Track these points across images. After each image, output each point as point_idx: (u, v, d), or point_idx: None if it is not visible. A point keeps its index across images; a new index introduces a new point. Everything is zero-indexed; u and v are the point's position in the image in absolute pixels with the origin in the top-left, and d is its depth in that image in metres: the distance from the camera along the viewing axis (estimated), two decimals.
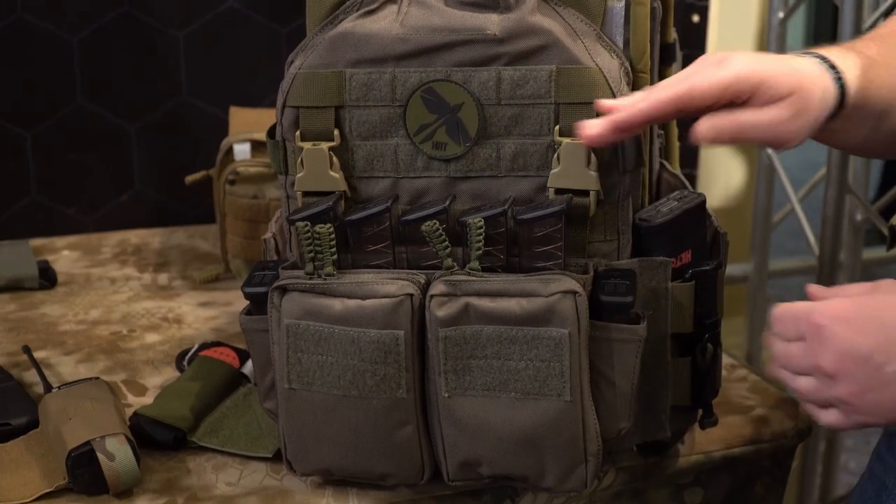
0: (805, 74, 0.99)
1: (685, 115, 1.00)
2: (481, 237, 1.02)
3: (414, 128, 1.07)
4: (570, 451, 1.04)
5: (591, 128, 1.00)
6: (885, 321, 0.92)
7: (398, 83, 1.06)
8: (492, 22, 1.04)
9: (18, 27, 1.83)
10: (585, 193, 1.05)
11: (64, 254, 1.83)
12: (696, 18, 2.25)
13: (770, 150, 2.43)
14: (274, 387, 1.11)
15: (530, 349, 1.02)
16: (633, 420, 1.08)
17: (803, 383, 0.96)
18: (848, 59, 1.04)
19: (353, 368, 1.04)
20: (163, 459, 1.19)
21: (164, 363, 1.43)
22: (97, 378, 1.27)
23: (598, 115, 1.01)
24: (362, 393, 1.05)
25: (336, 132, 1.07)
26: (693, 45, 2.23)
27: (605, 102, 1.01)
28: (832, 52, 1.05)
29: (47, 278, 1.68)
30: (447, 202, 1.06)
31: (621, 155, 1.05)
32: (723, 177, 2.50)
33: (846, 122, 1.05)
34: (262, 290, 1.08)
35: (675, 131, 1.27)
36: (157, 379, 1.38)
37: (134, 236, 1.93)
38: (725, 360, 1.36)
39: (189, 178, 1.73)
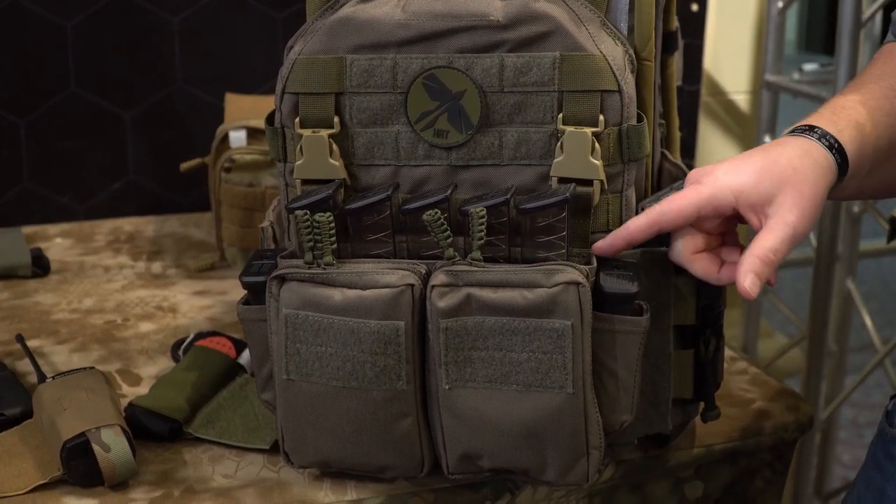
0: (791, 164, 1.01)
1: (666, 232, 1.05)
2: (483, 227, 1.01)
3: (415, 115, 1.05)
4: (572, 444, 1.03)
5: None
6: None
7: (399, 69, 1.04)
8: (495, 8, 1.03)
9: (12, 12, 1.81)
10: (589, 183, 1.03)
11: (57, 241, 1.82)
12: (694, 7, 2.24)
13: (767, 140, 2.42)
14: (272, 378, 1.10)
15: (532, 341, 1.00)
16: (636, 413, 1.06)
17: None
18: (841, 121, 1.06)
19: (352, 359, 1.03)
20: (158, 451, 1.18)
21: (159, 353, 1.42)
22: (92, 368, 1.25)
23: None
24: (362, 384, 1.03)
25: (336, 119, 1.06)
26: (692, 34, 2.22)
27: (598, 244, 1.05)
28: (824, 117, 1.06)
29: (40, 266, 1.67)
30: (449, 191, 1.04)
31: (625, 144, 1.04)
32: None
33: (850, 180, 1.07)
34: (260, 279, 1.07)
35: (676, 121, 1.26)
36: (152, 369, 1.37)
37: (127, 224, 1.91)
38: (726, 352, 1.35)
39: (184, 166, 1.72)
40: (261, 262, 1.10)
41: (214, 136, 1.67)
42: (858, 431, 3.20)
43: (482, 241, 1.01)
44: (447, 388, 1.03)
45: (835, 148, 1.03)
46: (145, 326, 1.49)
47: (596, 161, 1.03)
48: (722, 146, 2.47)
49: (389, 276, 1.02)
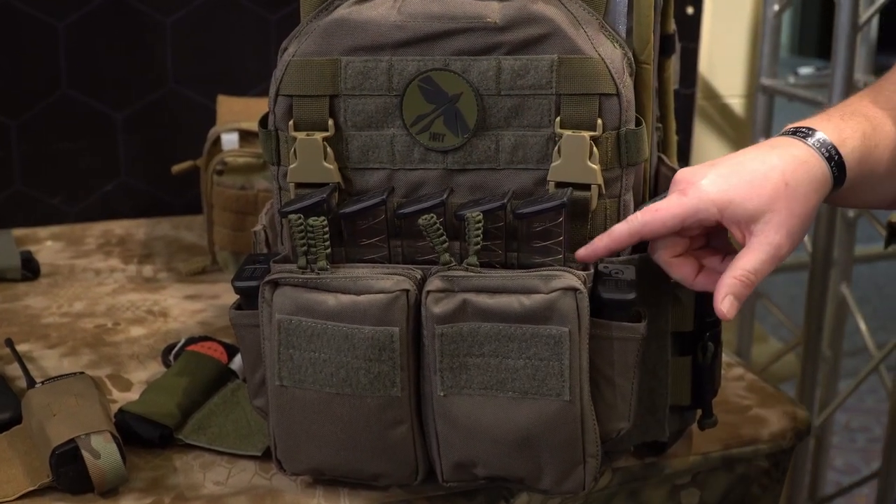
0: (783, 178, 0.99)
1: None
2: (480, 232, 1.00)
3: (411, 118, 1.04)
4: (569, 452, 1.02)
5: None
6: None
7: (395, 72, 1.03)
8: (492, 9, 1.01)
9: (3, 12, 1.80)
10: (587, 187, 1.02)
11: (47, 244, 1.81)
12: (690, 10, 2.23)
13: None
14: (264, 384, 1.08)
15: (529, 347, 0.99)
16: (633, 420, 1.05)
17: None
18: (848, 127, 1.04)
19: (346, 366, 1.01)
20: (149, 457, 1.17)
21: (150, 357, 1.40)
22: (82, 373, 1.24)
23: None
24: (355, 391, 1.02)
25: (330, 122, 1.05)
26: (687, 37, 2.21)
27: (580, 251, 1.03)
28: (832, 121, 1.04)
29: (30, 269, 1.66)
30: (445, 195, 1.03)
31: (624, 148, 1.03)
32: None
33: (849, 191, 1.05)
34: (252, 284, 1.06)
35: (673, 124, 1.25)
36: (143, 374, 1.36)
37: (118, 227, 1.90)
38: (722, 358, 1.34)
39: (176, 168, 1.71)
40: (253, 266, 1.09)
41: (206, 138, 1.65)
42: (851, 436, 3.20)
43: (478, 246, 1.00)
44: (442, 394, 1.02)
45: (833, 160, 1.01)
46: (136, 331, 1.48)
47: (594, 165, 1.02)
48: (717, 150, 2.47)
49: (384, 282, 1.00)
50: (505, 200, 1.02)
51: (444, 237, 1.01)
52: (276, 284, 1.03)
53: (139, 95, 1.92)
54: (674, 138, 1.26)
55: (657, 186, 1.19)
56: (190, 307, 1.56)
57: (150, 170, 1.95)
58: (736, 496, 1.26)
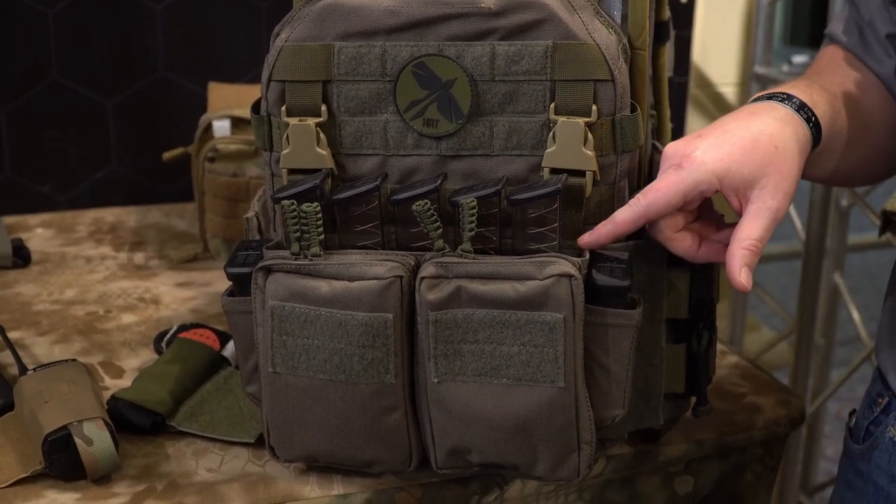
0: (772, 141, 0.99)
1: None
2: (474, 218, 0.99)
3: (404, 104, 1.03)
4: (563, 438, 1.02)
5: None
6: None
7: (388, 57, 1.02)
8: None
9: None
10: (581, 174, 1.02)
11: (38, 232, 1.80)
12: None
13: None
14: (257, 370, 1.08)
15: (523, 334, 0.99)
16: (628, 407, 1.05)
17: None
18: (815, 94, 1.05)
19: (339, 352, 1.01)
20: (141, 444, 1.16)
21: (142, 345, 1.40)
22: (74, 360, 1.23)
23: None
24: (349, 377, 1.01)
25: (323, 107, 1.04)
26: (681, 25, 2.21)
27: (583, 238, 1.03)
28: (799, 88, 1.05)
29: (21, 257, 1.65)
30: (438, 181, 1.02)
31: (619, 134, 1.02)
32: None
33: (817, 157, 1.06)
34: (245, 270, 1.05)
35: (667, 111, 1.25)
36: (135, 361, 1.35)
37: (109, 214, 1.89)
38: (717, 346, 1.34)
39: (167, 155, 1.70)
40: (246, 252, 1.08)
41: (198, 125, 1.65)
42: (842, 425, 3.19)
43: (473, 232, 1.00)
44: (436, 381, 1.01)
45: (811, 121, 1.02)
46: (128, 318, 1.47)
47: (588, 152, 1.01)
48: None
49: (378, 268, 1.00)
50: (499, 187, 1.01)
51: (438, 223, 1.00)
52: (268, 271, 1.02)
53: (130, 83, 1.91)
54: (668, 125, 1.25)
55: (651, 173, 1.18)
56: (181, 294, 1.55)
57: (141, 157, 1.94)
58: (730, 484, 1.26)
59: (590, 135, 1.01)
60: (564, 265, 0.98)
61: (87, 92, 1.88)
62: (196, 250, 1.67)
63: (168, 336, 1.36)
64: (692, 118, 2.41)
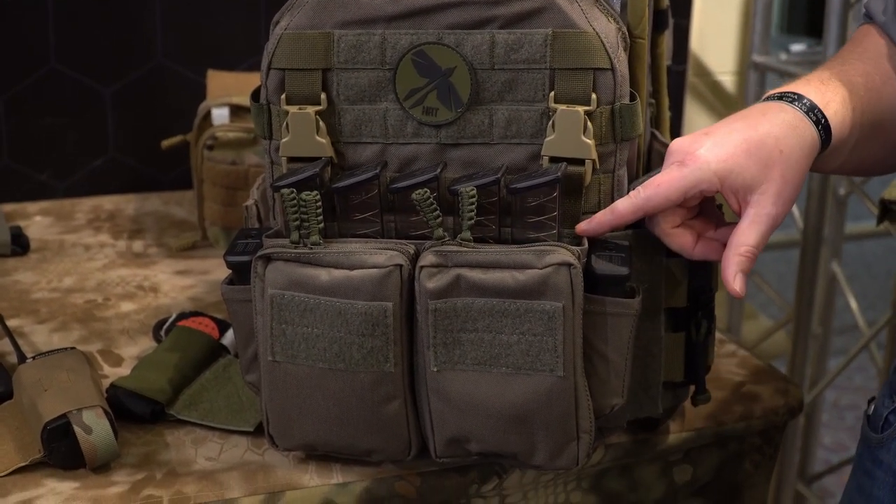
0: (777, 145, 0.99)
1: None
2: (473, 206, 0.99)
3: (404, 92, 1.03)
4: (562, 427, 1.02)
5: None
6: None
7: (388, 45, 1.02)
8: None
9: None
10: (581, 162, 1.02)
11: (36, 219, 1.80)
12: None
13: None
14: (256, 359, 1.08)
15: (523, 323, 0.99)
16: (626, 396, 1.05)
17: None
18: (829, 92, 1.04)
19: (339, 341, 1.01)
20: (140, 433, 1.16)
21: (141, 333, 1.40)
22: (73, 348, 1.23)
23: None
24: (348, 366, 1.01)
25: (323, 96, 1.04)
26: (679, 13, 2.20)
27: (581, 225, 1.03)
28: (813, 85, 1.04)
29: (20, 244, 1.65)
30: (438, 170, 1.02)
31: (618, 123, 1.02)
32: None
33: (828, 155, 1.05)
34: (245, 258, 1.05)
35: (665, 100, 1.25)
36: (134, 349, 1.35)
37: (107, 202, 1.89)
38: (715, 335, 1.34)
39: (165, 143, 1.70)
40: (245, 241, 1.08)
41: (196, 112, 1.64)
42: (840, 414, 3.21)
43: (472, 221, 1.00)
44: (435, 370, 1.01)
45: (821, 124, 1.01)
46: (126, 306, 1.47)
47: (588, 140, 1.01)
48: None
49: (377, 257, 1.00)
50: (499, 175, 1.01)
51: (438, 212, 1.00)
52: (268, 259, 1.02)
53: (128, 70, 1.90)
54: (667, 114, 1.26)
55: (650, 162, 1.18)
56: (180, 282, 1.55)
57: (140, 145, 1.94)
58: (728, 472, 1.26)
59: (589, 123, 1.01)
60: (564, 254, 0.98)
61: (86, 79, 1.88)
62: (195, 238, 1.67)
63: (167, 324, 1.36)
64: (690, 107, 2.41)
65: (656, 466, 1.22)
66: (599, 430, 1.11)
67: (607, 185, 1.04)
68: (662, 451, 1.21)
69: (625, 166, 1.06)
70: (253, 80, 1.67)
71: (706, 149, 0.99)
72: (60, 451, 1.08)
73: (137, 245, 1.70)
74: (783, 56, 2.47)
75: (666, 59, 1.22)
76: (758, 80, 2.40)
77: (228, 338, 1.30)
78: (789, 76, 2.33)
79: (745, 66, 2.42)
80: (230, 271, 1.09)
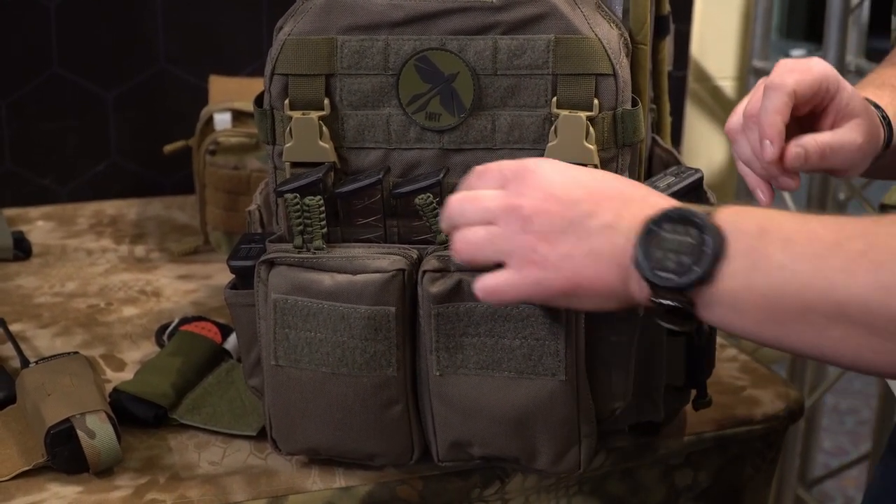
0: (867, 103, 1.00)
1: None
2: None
3: (407, 97, 1.03)
4: (564, 431, 1.02)
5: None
6: (598, 177, 0.89)
7: (391, 51, 1.03)
8: None
9: None
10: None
11: (38, 224, 1.80)
12: None
13: None
14: (259, 363, 1.08)
15: (525, 327, 0.99)
16: (628, 400, 1.05)
17: (478, 233, 0.88)
18: (885, 95, 1.05)
19: (342, 345, 1.01)
20: (143, 437, 1.17)
21: (143, 337, 1.40)
22: (76, 352, 1.24)
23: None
24: (351, 370, 1.02)
25: (326, 101, 1.04)
26: (679, 19, 2.20)
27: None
28: (867, 92, 1.05)
29: (22, 249, 1.65)
30: (441, 175, 1.03)
31: (620, 128, 1.03)
32: (705, 153, 2.48)
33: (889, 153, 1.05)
34: (248, 263, 1.05)
35: (667, 106, 1.25)
36: (136, 354, 1.35)
37: (110, 207, 1.89)
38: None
39: (168, 148, 1.70)
40: (249, 245, 1.08)
41: (199, 117, 1.65)
42: (840, 418, 3.21)
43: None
44: (438, 374, 1.01)
45: (886, 121, 1.02)
46: (129, 311, 1.48)
47: (590, 146, 1.01)
48: (708, 133, 2.46)
49: (380, 261, 1.00)
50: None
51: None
52: (272, 264, 1.03)
53: (130, 75, 1.91)
54: (668, 119, 1.26)
55: (651, 168, 1.19)
56: (183, 287, 1.55)
57: (142, 149, 1.94)
58: (729, 477, 1.27)
59: (591, 129, 1.01)
60: None
61: (88, 84, 1.88)
62: (197, 243, 1.67)
63: (170, 329, 1.36)
64: (691, 112, 2.42)
65: (657, 470, 1.22)
66: (601, 434, 1.11)
67: None
68: (664, 455, 1.21)
69: (627, 171, 1.06)
70: (255, 85, 1.67)
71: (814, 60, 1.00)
72: (64, 455, 1.08)
73: (139, 250, 1.70)
74: None
75: (667, 65, 1.23)
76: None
77: (231, 342, 1.31)
78: None
79: (746, 71, 2.42)
80: (233, 276, 1.09)
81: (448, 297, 0.99)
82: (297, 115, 1.04)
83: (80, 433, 1.08)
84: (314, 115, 1.04)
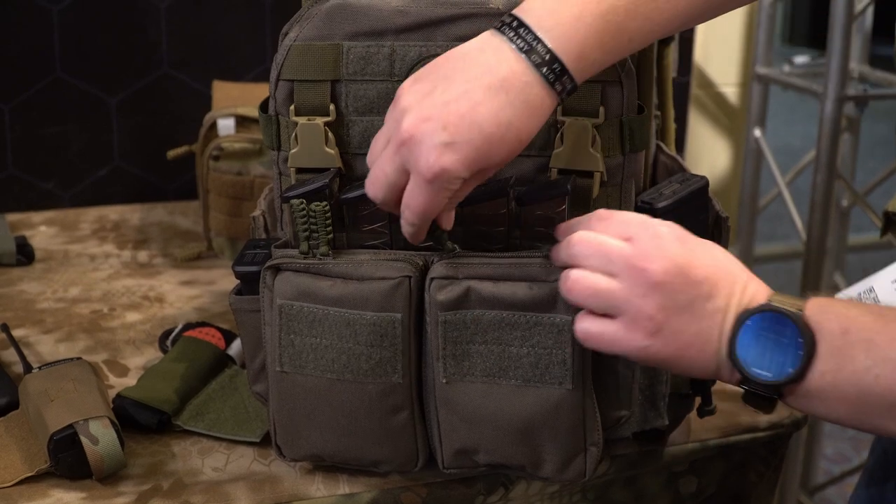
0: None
1: None
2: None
3: None
4: (570, 440, 1.02)
5: None
6: (715, 255, 0.91)
7: (397, 57, 1.02)
8: None
9: None
10: (589, 174, 1.02)
11: (41, 229, 1.80)
12: None
13: (757, 133, 2.41)
14: (264, 369, 1.08)
15: (532, 335, 0.99)
16: (634, 408, 1.05)
17: (598, 281, 0.90)
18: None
19: (347, 352, 1.01)
20: (147, 443, 1.16)
21: (146, 343, 1.40)
22: (79, 358, 1.23)
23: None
24: (357, 377, 1.01)
25: (332, 107, 1.04)
26: None
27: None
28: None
29: (25, 254, 1.65)
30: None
31: (626, 135, 1.02)
32: (708, 160, 2.48)
33: None
34: (254, 269, 1.05)
35: (671, 112, 1.25)
36: (139, 359, 1.35)
37: (113, 212, 1.89)
38: None
39: (171, 153, 1.70)
40: (254, 251, 1.08)
41: (202, 123, 1.65)
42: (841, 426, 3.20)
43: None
44: (444, 381, 1.01)
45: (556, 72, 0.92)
46: (132, 316, 1.47)
47: (596, 153, 1.01)
48: (711, 139, 2.47)
49: (386, 268, 1.00)
50: (507, 187, 1.01)
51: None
52: (277, 270, 1.02)
53: (133, 80, 1.91)
54: (672, 126, 1.26)
55: (656, 174, 1.18)
56: (186, 293, 1.55)
57: (145, 155, 1.94)
58: (733, 483, 1.26)
59: (597, 136, 1.01)
60: None
61: (91, 89, 1.88)
62: (200, 248, 1.67)
63: (173, 334, 1.36)
64: (694, 118, 2.42)
65: (661, 478, 1.22)
66: (606, 442, 1.11)
67: (615, 198, 1.05)
68: (667, 462, 1.21)
69: (632, 178, 1.06)
70: (258, 90, 1.67)
71: None
72: (67, 461, 1.08)
73: (142, 255, 1.70)
74: (786, 68, 2.47)
75: (671, 72, 1.23)
76: (761, 92, 2.40)
77: (234, 348, 1.30)
78: (793, 88, 2.34)
79: (749, 78, 2.42)
80: (236, 281, 1.09)
81: (455, 304, 0.99)
82: (302, 120, 1.04)
83: (83, 439, 1.08)
84: (320, 120, 1.04)
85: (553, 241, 1.01)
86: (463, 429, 1.03)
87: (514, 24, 0.91)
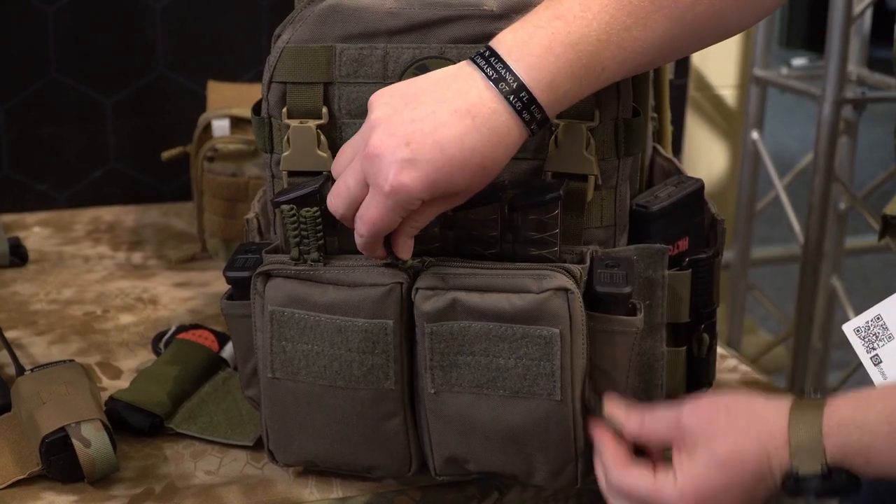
0: None
1: None
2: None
3: None
4: (560, 449, 1.01)
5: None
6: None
7: (390, 59, 1.02)
8: None
9: None
10: (583, 178, 1.01)
11: (35, 230, 1.79)
12: None
13: (755, 136, 2.41)
14: (256, 374, 1.07)
15: (519, 347, 0.97)
16: None
17: None
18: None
19: (339, 358, 1.00)
20: (139, 446, 1.16)
21: (140, 345, 1.39)
22: (71, 360, 1.23)
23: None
24: (349, 383, 1.01)
25: (324, 109, 1.03)
26: None
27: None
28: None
29: (18, 255, 1.64)
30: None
31: (621, 138, 1.02)
32: (706, 162, 2.48)
33: None
34: (244, 274, 1.04)
35: (667, 114, 1.24)
36: (133, 362, 1.35)
37: (107, 213, 1.89)
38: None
39: (166, 154, 1.70)
40: (245, 256, 1.07)
41: (197, 124, 1.64)
42: None
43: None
44: (433, 392, 1.00)
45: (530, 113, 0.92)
46: (125, 318, 1.47)
47: (590, 156, 1.00)
48: (708, 141, 2.46)
49: (378, 274, 0.99)
50: (500, 191, 1.00)
51: (437, 229, 0.99)
52: (268, 276, 1.01)
53: (129, 81, 1.90)
54: (669, 129, 1.25)
55: (652, 177, 1.18)
56: (180, 295, 1.55)
57: (140, 156, 1.93)
58: None
59: (592, 139, 1.00)
60: (562, 279, 0.96)
61: (86, 90, 1.88)
62: (194, 250, 1.66)
63: (166, 337, 1.36)
64: (691, 121, 2.41)
65: None
66: None
67: (609, 201, 1.04)
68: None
69: (627, 181, 1.05)
70: (253, 91, 1.66)
71: None
72: (59, 464, 1.08)
73: (137, 257, 1.69)
74: (784, 70, 2.47)
75: (668, 74, 1.22)
76: (759, 94, 2.40)
77: (228, 351, 1.30)
78: (790, 90, 2.33)
79: (747, 80, 2.42)
80: (230, 286, 1.08)
81: (441, 315, 0.98)
82: (295, 123, 1.03)
83: (75, 442, 1.07)
84: (312, 123, 1.03)
85: (546, 245, 1.00)
86: (453, 438, 1.02)
87: (487, 53, 0.92)
